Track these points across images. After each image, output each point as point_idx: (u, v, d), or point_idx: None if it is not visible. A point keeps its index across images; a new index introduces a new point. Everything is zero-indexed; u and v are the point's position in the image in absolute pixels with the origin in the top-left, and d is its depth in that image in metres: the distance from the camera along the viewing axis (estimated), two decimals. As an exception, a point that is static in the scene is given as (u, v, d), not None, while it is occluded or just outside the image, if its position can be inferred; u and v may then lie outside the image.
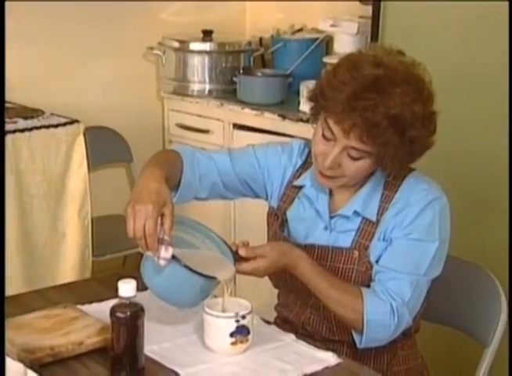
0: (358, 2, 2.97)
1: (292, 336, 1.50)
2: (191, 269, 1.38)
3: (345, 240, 1.56)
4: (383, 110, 1.41)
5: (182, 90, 3.23)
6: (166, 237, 1.38)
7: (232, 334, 1.40)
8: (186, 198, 1.61)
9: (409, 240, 1.51)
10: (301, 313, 1.62)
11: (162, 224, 1.38)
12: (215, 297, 1.48)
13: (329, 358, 1.43)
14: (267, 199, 1.68)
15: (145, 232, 1.35)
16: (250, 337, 1.42)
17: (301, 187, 1.62)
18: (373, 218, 1.54)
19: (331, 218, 1.58)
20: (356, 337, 1.51)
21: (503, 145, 2.12)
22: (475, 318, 1.68)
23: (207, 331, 1.43)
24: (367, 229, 1.55)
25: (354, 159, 1.48)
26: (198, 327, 1.48)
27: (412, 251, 1.51)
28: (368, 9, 2.54)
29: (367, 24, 2.50)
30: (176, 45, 3.21)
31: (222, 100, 3.09)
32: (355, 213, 1.55)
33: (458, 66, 2.22)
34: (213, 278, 1.41)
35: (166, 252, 1.37)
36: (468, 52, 2.21)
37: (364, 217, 1.55)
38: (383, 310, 1.48)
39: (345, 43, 2.74)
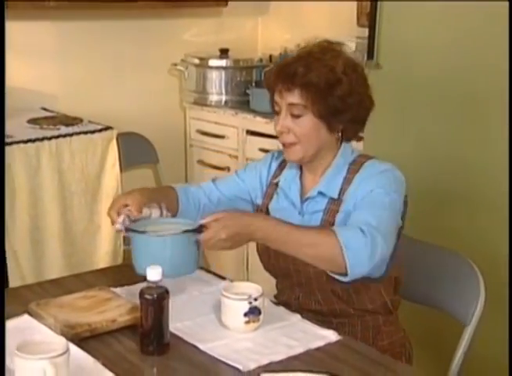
0: (355, 25, 2.97)
1: (298, 316, 1.49)
2: (140, 231, 1.43)
3: (316, 220, 1.55)
4: (297, 63, 1.49)
5: (201, 101, 3.23)
6: (125, 210, 1.48)
7: (245, 314, 1.40)
8: None
9: (364, 198, 1.48)
10: (292, 293, 1.60)
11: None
12: (231, 281, 1.48)
13: (331, 335, 1.42)
14: (253, 202, 1.69)
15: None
16: (261, 317, 1.42)
17: (277, 183, 1.64)
18: (336, 196, 1.53)
19: (302, 203, 1.58)
20: (340, 275, 1.41)
21: (503, 155, 2.05)
22: (457, 300, 1.67)
23: (224, 311, 1.43)
24: (332, 207, 1.54)
25: (297, 117, 1.51)
26: (216, 308, 1.48)
27: (371, 201, 1.47)
28: (364, 31, 2.53)
29: (364, 44, 2.49)
30: (197, 61, 3.21)
31: (237, 110, 3.08)
32: (320, 193, 1.55)
33: (449, 82, 2.19)
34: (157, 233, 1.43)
35: (119, 218, 1.47)
36: (457, 65, 2.17)
37: (329, 197, 1.54)
38: (354, 233, 1.39)
39: (344, 60, 2.72)
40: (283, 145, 1.56)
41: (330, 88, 1.48)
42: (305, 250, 1.41)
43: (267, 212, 1.64)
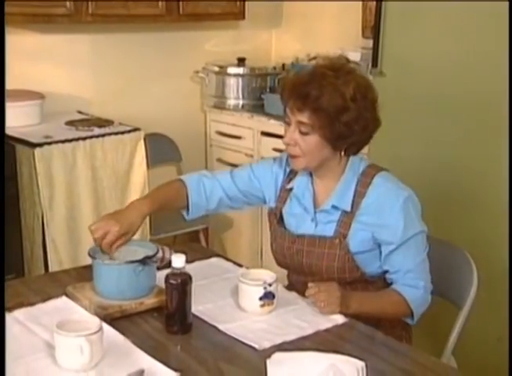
0: (361, 37, 2.96)
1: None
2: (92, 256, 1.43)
3: (329, 230, 1.53)
4: (311, 85, 1.44)
5: (220, 105, 3.22)
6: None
7: (260, 298, 1.40)
8: (199, 214, 1.66)
9: (402, 244, 1.50)
10: (302, 286, 1.55)
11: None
12: (248, 268, 1.48)
13: (338, 318, 1.42)
14: (265, 202, 1.66)
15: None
16: (275, 300, 1.42)
17: (291, 189, 1.61)
18: (348, 209, 1.51)
19: (316, 212, 1.56)
20: (407, 319, 1.56)
21: (503, 155, 2.03)
22: (452, 286, 1.66)
23: (241, 296, 1.43)
24: (345, 220, 1.51)
25: (304, 134, 1.48)
26: (234, 292, 1.48)
27: (408, 248, 1.50)
28: (369, 42, 2.52)
29: (368, 54, 2.48)
30: (216, 69, 3.21)
31: (253, 113, 3.08)
32: (333, 207, 1.52)
33: (449, 88, 2.17)
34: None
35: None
36: (456, 73, 2.15)
37: (342, 209, 1.51)
38: (421, 299, 1.52)
39: (350, 69, 2.70)
40: (289, 155, 1.54)
41: (338, 114, 1.45)
42: (385, 316, 1.54)
43: (281, 216, 1.61)
